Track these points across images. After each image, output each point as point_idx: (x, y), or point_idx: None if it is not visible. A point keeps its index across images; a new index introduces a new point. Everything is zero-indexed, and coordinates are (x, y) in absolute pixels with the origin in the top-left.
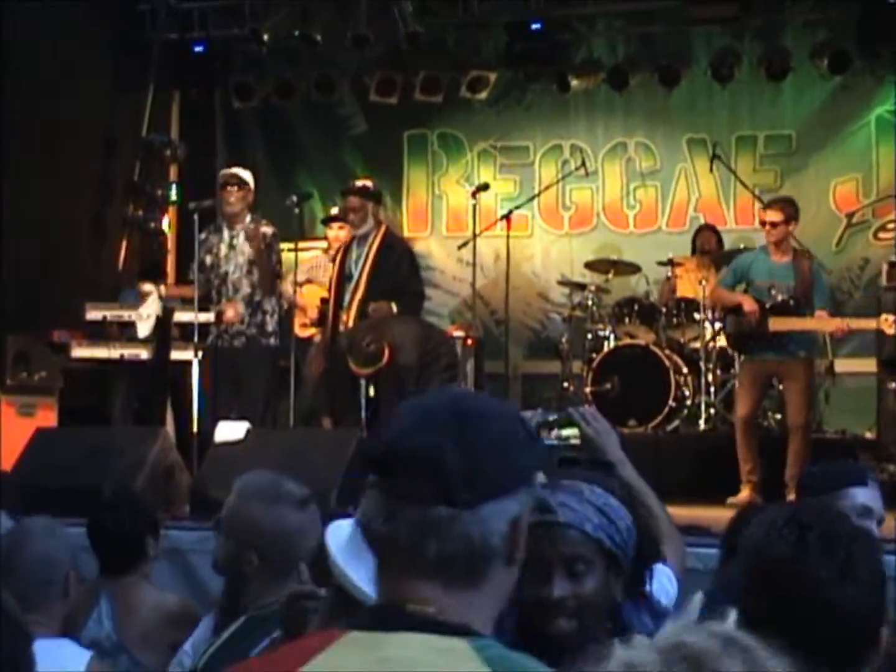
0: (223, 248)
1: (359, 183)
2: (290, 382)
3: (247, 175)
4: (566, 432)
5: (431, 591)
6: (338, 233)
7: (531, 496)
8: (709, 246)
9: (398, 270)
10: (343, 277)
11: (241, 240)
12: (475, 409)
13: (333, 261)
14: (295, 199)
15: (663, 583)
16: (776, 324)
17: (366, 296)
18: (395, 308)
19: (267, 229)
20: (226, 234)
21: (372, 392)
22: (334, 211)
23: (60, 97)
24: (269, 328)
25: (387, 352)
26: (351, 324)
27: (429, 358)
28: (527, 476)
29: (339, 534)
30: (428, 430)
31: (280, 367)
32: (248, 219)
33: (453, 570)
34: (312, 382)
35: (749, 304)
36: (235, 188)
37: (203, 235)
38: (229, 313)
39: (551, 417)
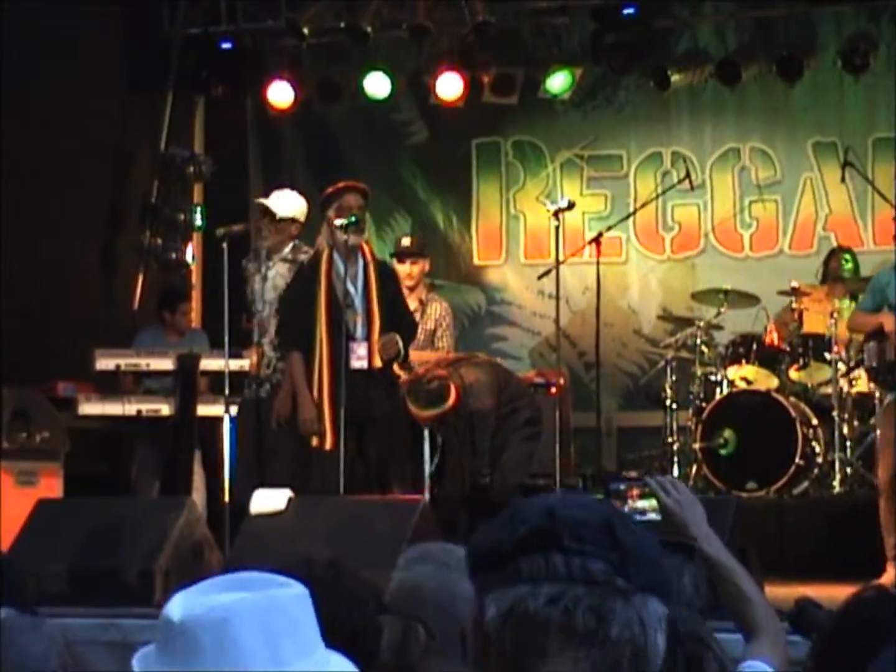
0: (257, 281)
1: (352, 181)
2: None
3: (286, 206)
4: (642, 504)
5: None
6: (411, 268)
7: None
8: (844, 272)
9: (399, 295)
10: (336, 299)
11: (274, 272)
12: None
13: (311, 275)
14: (342, 223)
15: None
16: None
17: (382, 325)
18: (400, 342)
19: (303, 256)
20: (262, 264)
21: (439, 441)
22: (405, 242)
23: (63, 104)
24: None
25: (453, 391)
26: (376, 361)
27: (505, 410)
28: (663, 589)
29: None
30: (586, 505)
31: None
32: (287, 249)
33: (622, 665)
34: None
35: (890, 323)
36: (266, 220)
37: (242, 263)
38: (252, 359)
39: (623, 486)
